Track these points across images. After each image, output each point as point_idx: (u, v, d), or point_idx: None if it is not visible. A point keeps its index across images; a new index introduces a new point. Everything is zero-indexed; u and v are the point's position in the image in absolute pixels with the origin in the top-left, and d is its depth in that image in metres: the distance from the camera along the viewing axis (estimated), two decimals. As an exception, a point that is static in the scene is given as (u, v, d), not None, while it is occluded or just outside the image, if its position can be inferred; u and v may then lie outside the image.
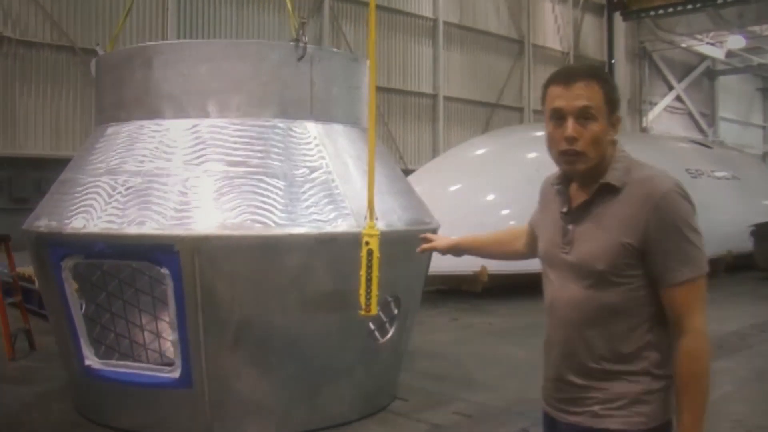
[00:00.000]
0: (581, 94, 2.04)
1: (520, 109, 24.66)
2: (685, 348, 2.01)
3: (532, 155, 13.33)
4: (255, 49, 5.26)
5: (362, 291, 3.78)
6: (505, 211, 11.86)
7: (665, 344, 2.07)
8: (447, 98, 22.36)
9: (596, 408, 2.08)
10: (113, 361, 5.10)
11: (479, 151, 13.42)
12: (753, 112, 36.73)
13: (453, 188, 12.03)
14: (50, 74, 14.64)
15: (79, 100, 14.85)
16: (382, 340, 5.42)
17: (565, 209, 2.16)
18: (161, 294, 5.86)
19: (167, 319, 5.91)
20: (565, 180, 2.20)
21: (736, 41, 28.21)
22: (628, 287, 2.03)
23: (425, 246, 2.82)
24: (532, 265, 9.53)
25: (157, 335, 6.63)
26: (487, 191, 11.96)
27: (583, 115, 2.04)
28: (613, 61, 25.88)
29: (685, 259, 2.00)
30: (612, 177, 2.07)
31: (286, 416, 5.04)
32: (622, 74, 25.76)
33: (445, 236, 2.87)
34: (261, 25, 17.90)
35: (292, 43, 5.13)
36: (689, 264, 2.00)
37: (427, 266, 5.97)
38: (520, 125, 22.36)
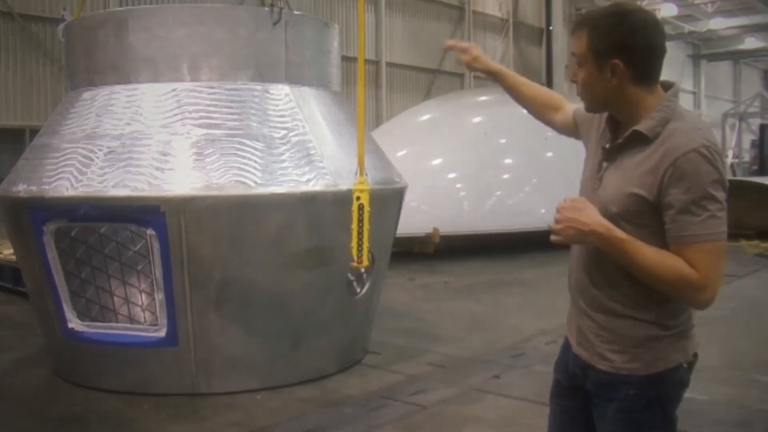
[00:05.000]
0: (572, 43, 2.16)
1: (461, 75, 24.85)
2: (688, 270, 1.95)
3: (477, 119, 13.63)
4: (232, 13, 5.35)
5: (354, 244, 3.95)
6: (452, 174, 12.16)
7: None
8: (390, 64, 22.44)
9: (602, 348, 2.15)
10: (98, 323, 5.17)
11: (426, 117, 13.63)
12: (684, 78, 37.67)
13: (401, 153, 12.20)
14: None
15: (18, 67, 14.47)
16: (359, 293, 5.61)
17: (606, 145, 2.18)
18: (128, 260, 5.93)
19: (136, 284, 5.99)
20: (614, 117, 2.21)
21: (668, 8, 28.88)
22: (643, 236, 2.00)
23: (465, 57, 2.75)
24: (483, 226, 9.71)
25: (127, 300, 6.68)
26: (435, 155, 12.18)
27: (576, 63, 2.14)
28: (551, 28, 26.26)
29: (693, 221, 1.94)
30: (644, 125, 2.05)
31: (268, 371, 5.21)
32: (560, 41, 26.14)
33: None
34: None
35: (266, 8, 5.23)
36: (697, 228, 1.94)
37: (396, 225, 6.18)
38: (464, 91, 22.61)
